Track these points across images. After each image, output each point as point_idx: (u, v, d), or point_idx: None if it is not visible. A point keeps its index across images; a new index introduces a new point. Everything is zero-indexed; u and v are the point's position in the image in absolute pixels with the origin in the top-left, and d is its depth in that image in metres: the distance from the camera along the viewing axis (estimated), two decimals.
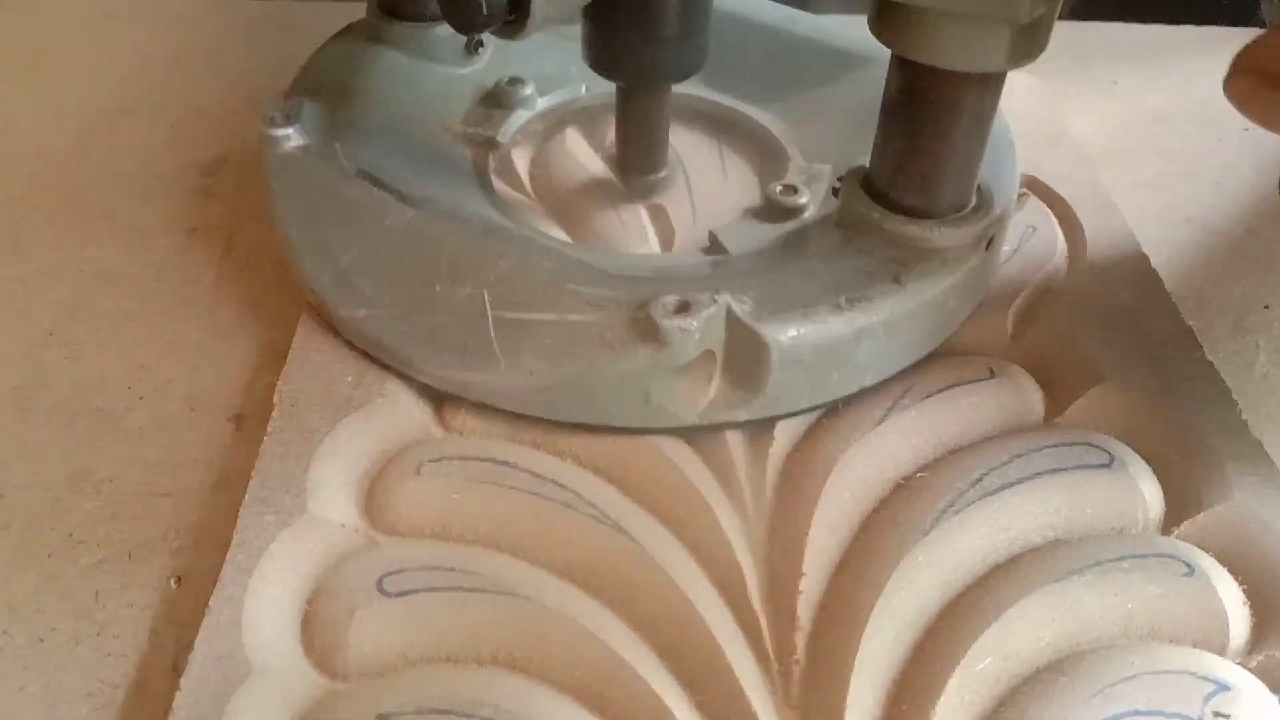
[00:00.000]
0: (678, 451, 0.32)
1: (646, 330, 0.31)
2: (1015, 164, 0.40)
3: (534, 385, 0.32)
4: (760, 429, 0.33)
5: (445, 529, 0.30)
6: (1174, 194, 0.47)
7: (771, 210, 0.39)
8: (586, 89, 0.45)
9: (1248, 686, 0.27)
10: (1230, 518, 0.31)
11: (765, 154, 0.44)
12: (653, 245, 0.40)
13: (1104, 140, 0.49)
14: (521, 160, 0.44)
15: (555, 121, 0.45)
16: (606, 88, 0.40)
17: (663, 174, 0.42)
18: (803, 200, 0.38)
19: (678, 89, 0.39)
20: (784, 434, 0.33)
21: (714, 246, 0.38)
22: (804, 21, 0.48)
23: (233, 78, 0.53)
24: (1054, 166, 0.44)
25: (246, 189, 0.45)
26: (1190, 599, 0.29)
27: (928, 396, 0.34)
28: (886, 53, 0.32)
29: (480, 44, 0.46)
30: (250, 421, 0.35)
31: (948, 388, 0.34)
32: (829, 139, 0.42)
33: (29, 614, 0.30)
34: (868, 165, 0.35)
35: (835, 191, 0.36)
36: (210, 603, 0.28)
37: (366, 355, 0.35)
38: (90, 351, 0.38)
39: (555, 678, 0.27)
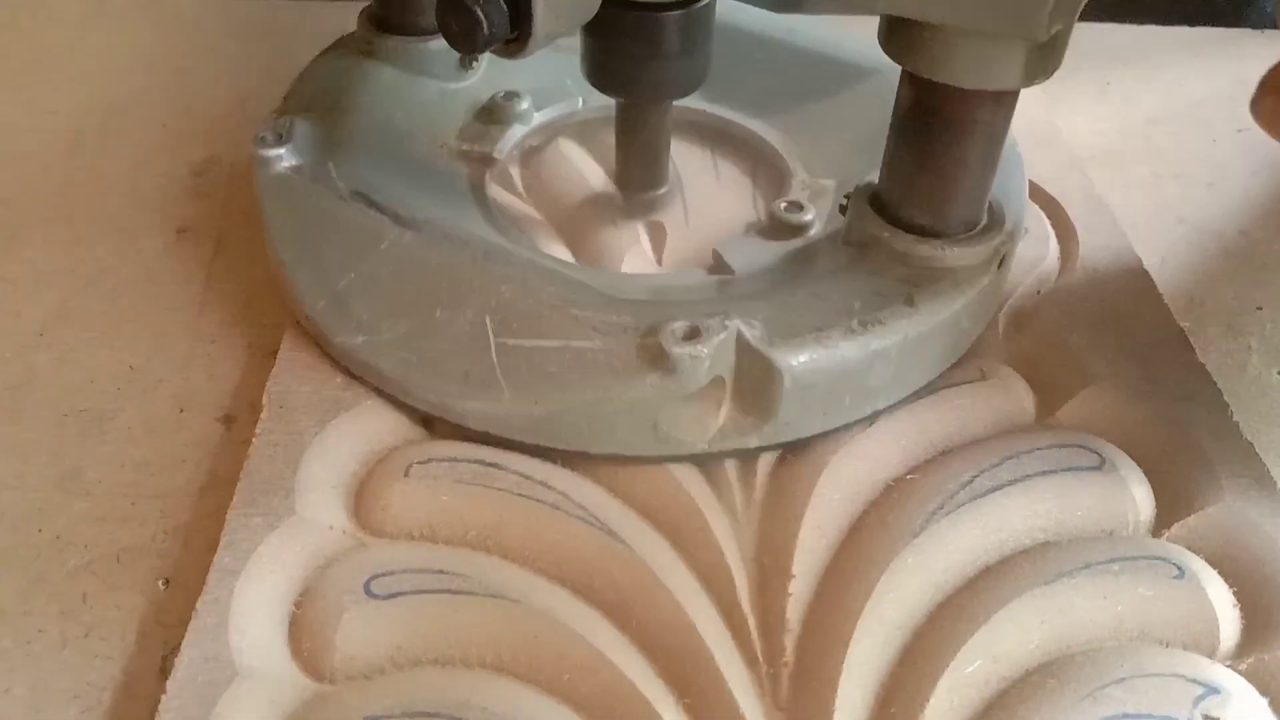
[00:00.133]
0: None
1: (655, 357, 0.30)
2: (1024, 178, 0.39)
3: (539, 414, 0.31)
4: None
5: (434, 531, 0.30)
6: (1166, 195, 0.47)
7: (776, 228, 0.38)
8: (583, 102, 0.45)
9: (1238, 689, 0.27)
10: (1221, 520, 0.31)
11: (767, 169, 0.43)
12: (654, 264, 0.39)
13: (1096, 141, 0.49)
14: (519, 177, 0.43)
15: (552, 136, 0.44)
16: (604, 101, 0.39)
17: (663, 190, 0.41)
18: (808, 217, 0.38)
19: (677, 103, 0.39)
20: None
21: (718, 265, 0.37)
22: (804, 32, 0.47)
23: (224, 78, 0.53)
24: (1046, 168, 0.44)
25: (237, 189, 0.45)
26: (1180, 601, 0.29)
27: (918, 398, 0.34)
28: (889, 65, 0.31)
29: (475, 58, 0.45)
30: (240, 423, 0.35)
31: (938, 389, 0.34)
32: (832, 153, 0.41)
33: (16, 616, 0.30)
34: (875, 181, 0.34)
35: (842, 209, 0.35)
36: (197, 605, 0.28)
37: None
38: (80, 353, 0.38)
39: (543, 680, 0.27)
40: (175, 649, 0.27)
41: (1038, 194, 0.43)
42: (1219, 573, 0.30)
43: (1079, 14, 0.28)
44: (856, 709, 0.27)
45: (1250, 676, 0.28)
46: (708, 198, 0.42)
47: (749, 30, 0.46)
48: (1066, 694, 0.27)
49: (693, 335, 0.30)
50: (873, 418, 0.33)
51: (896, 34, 0.30)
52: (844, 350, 0.31)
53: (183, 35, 0.57)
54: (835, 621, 0.28)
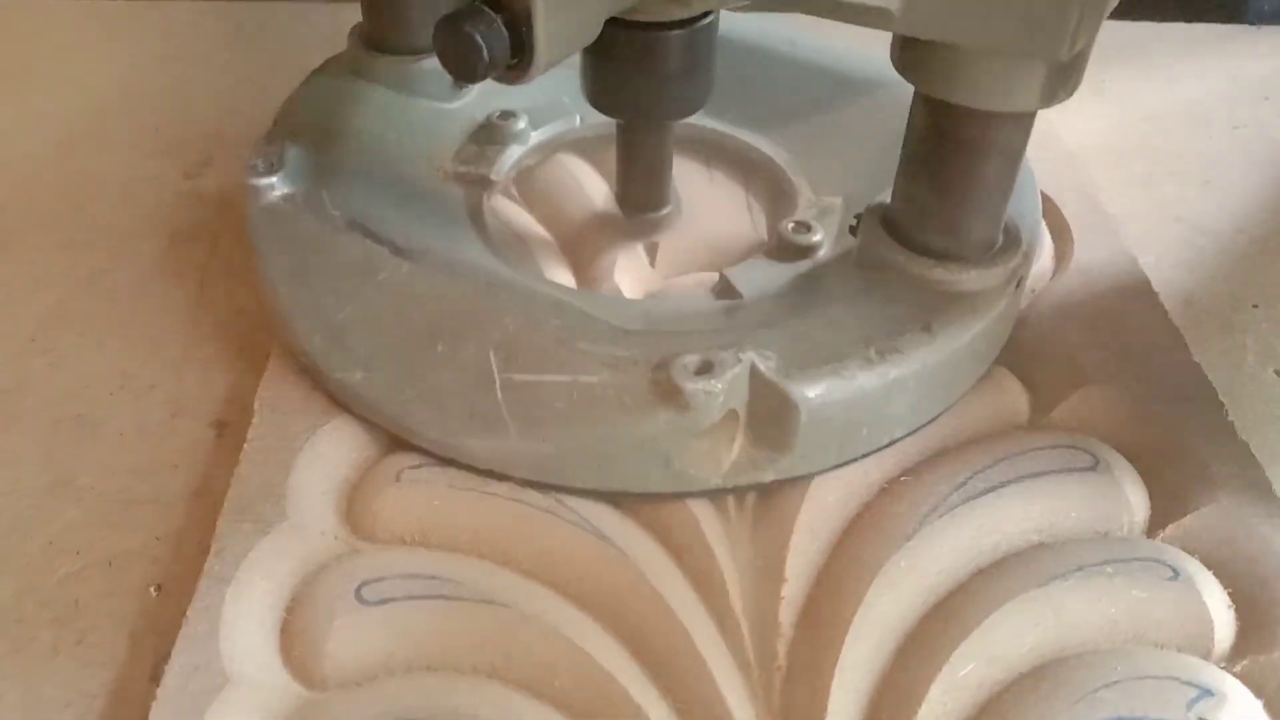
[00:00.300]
0: None
1: (667, 393, 0.29)
2: (1037, 195, 0.38)
3: (547, 452, 0.30)
4: None
5: (425, 536, 0.30)
6: (1162, 193, 0.47)
7: (783, 249, 0.37)
8: (581, 120, 0.43)
9: (1232, 691, 0.27)
10: (1216, 521, 0.31)
11: (772, 187, 0.42)
12: (657, 288, 0.38)
13: (1092, 139, 0.49)
14: (517, 199, 0.42)
15: (550, 156, 0.43)
16: (602, 119, 0.38)
17: (665, 211, 0.40)
18: (816, 238, 0.36)
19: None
20: None
21: (725, 289, 0.36)
22: (804, 44, 0.46)
23: (218, 82, 0.53)
24: (1041, 166, 0.44)
25: (230, 193, 0.45)
26: (1175, 603, 0.29)
27: None
28: (893, 77, 0.30)
29: None
30: (233, 428, 0.35)
31: None
32: (838, 170, 0.40)
33: (8, 623, 0.30)
34: (885, 200, 0.33)
35: (853, 230, 0.34)
36: (188, 612, 0.28)
37: None
38: (73, 358, 0.38)
39: (535, 686, 0.27)
40: (167, 656, 0.27)
41: None
42: (1214, 574, 0.30)
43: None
44: (849, 712, 0.27)
45: (1245, 678, 0.28)
46: (711, 217, 0.41)
47: (748, 43, 0.45)
48: (1060, 697, 0.27)
49: (705, 369, 0.29)
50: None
51: (911, 54, 0.29)
52: (861, 381, 0.30)
53: (176, 39, 0.57)
54: (828, 625, 0.28)
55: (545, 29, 0.28)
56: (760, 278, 0.36)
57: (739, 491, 0.31)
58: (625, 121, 0.38)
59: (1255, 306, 0.40)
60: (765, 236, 0.41)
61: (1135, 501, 0.31)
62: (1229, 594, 0.29)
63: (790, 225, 0.37)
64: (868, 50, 0.43)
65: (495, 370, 0.31)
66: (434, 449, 0.31)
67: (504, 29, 0.28)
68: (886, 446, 0.32)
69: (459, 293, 0.33)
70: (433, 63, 0.42)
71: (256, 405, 0.33)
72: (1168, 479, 0.32)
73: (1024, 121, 0.30)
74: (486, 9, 0.28)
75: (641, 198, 0.40)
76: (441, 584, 0.29)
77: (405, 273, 0.34)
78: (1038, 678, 0.27)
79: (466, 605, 0.28)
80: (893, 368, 0.30)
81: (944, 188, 0.31)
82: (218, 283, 0.41)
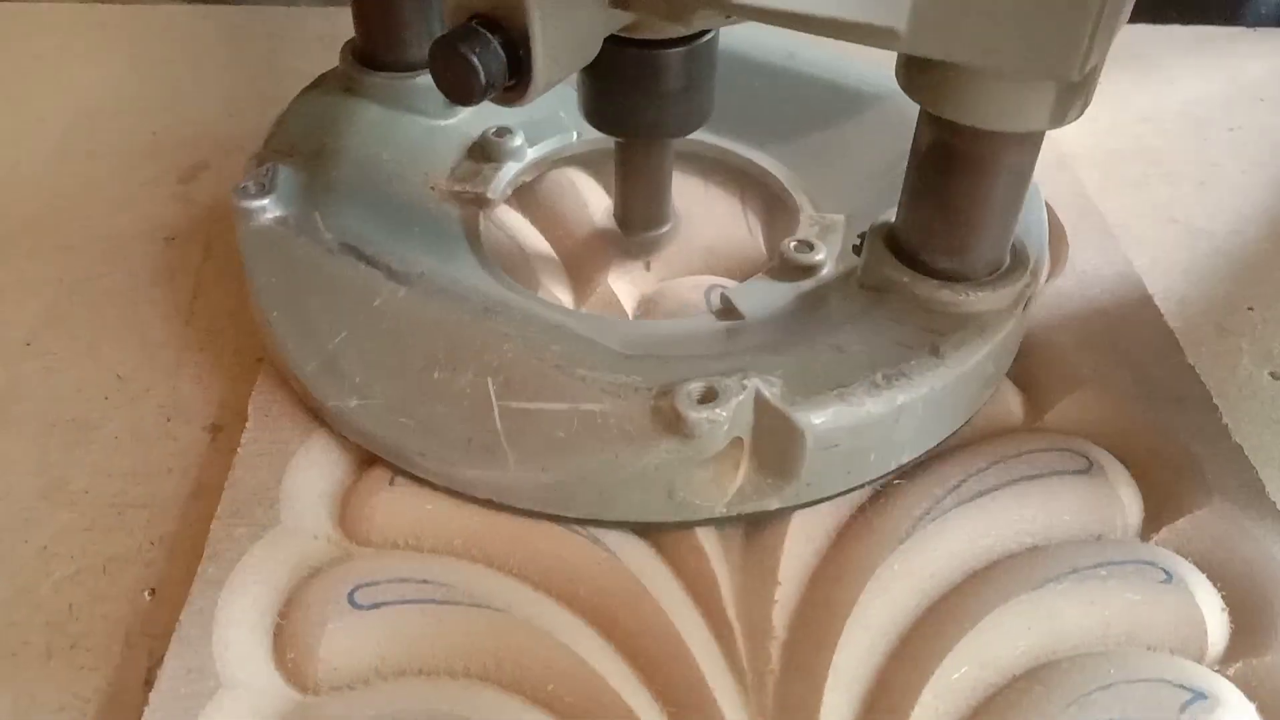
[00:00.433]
0: None
1: (670, 421, 0.28)
2: (1043, 212, 0.38)
3: (547, 482, 0.29)
4: None
5: (418, 540, 0.30)
6: (1158, 194, 0.47)
7: (785, 268, 0.36)
8: (578, 135, 0.43)
9: (1225, 694, 0.27)
10: (1210, 523, 0.31)
11: (772, 204, 0.42)
12: (657, 309, 0.38)
13: (1088, 140, 0.49)
14: (513, 217, 0.41)
15: (547, 172, 0.43)
16: (599, 134, 0.37)
17: (665, 229, 0.40)
18: (819, 256, 0.36)
19: None
20: None
21: (727, 310, 0.35)
22: (804, 57, 0.45)
23: (213, 85, 0.53)
24: (1036, 168, 0.44)
25: (225, 198, 0.45)
26: (1168, 606, 0.29)
27: None
28: (895, 90, 0.30)
29: None
30: (227, 431, 0.35)
31: None
32: (840, 186, 0.40)
33: (1, 627, 0.30)
34: (890, 219, 0.33)
35: (856, 249, 0.34)
36: (180, 616, 0.28)
37: None
38: (67, 362, 0.38)
39: (527, 690, 0.27)
40: (160, 660, 0.27)
41: None
42: (1207, 577, 0.30)
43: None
44: (842, 716, 0.27)
45: (1238, 681, 0.28)
46: (711, 235, 0.41)
47: (747, 56, 0.45)
48: (1053, 700, 0.27)
49: (709, 397, 0.28)
50: None
51: (917, 74, 0.28)
52: (869, 407, 0.29)
53: (171, 42, 0.57)
54: (821, 628, 0.28)
55: (544, 49, 0.28)
56: (762, 298, 0.35)
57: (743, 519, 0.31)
58: (624, 139, 0.37)
59: (1251, 309, 0.40)
60: (765, 252, 0.41)
61: (1129, 504, 0.31)
62: (1222, 597, 0.29)
63: (792, 244, 0.36)
64: (869, 63, 0.42)
65: (493, 398, 0.30)
66: (431, 479, 0.31)
67: (501, 50, 0.27)
68: (894, 471, 0.32)
69: (456, 318, 0.33)
70: (427, 79, 0.40)
71: (250, 409, 0.33)
72: (1162, 482, 0.32)
73: (1033, 141, 0.29)
74: (482, 30, 0.27)
75: (641, 216, 0.40)
76: (434, 588, 0.29)
77: (401, 297, 0.33)
78: (1030, 680, 0.27)
79: (459, 609, 0.28)
80: (900, 393, 0.29)
81: (950, 208, 0.30)
82: (212, 287, 0.41)
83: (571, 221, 0.42)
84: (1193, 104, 0.53)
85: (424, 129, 0.42)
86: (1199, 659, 0.28)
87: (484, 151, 0.41)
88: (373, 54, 0.42)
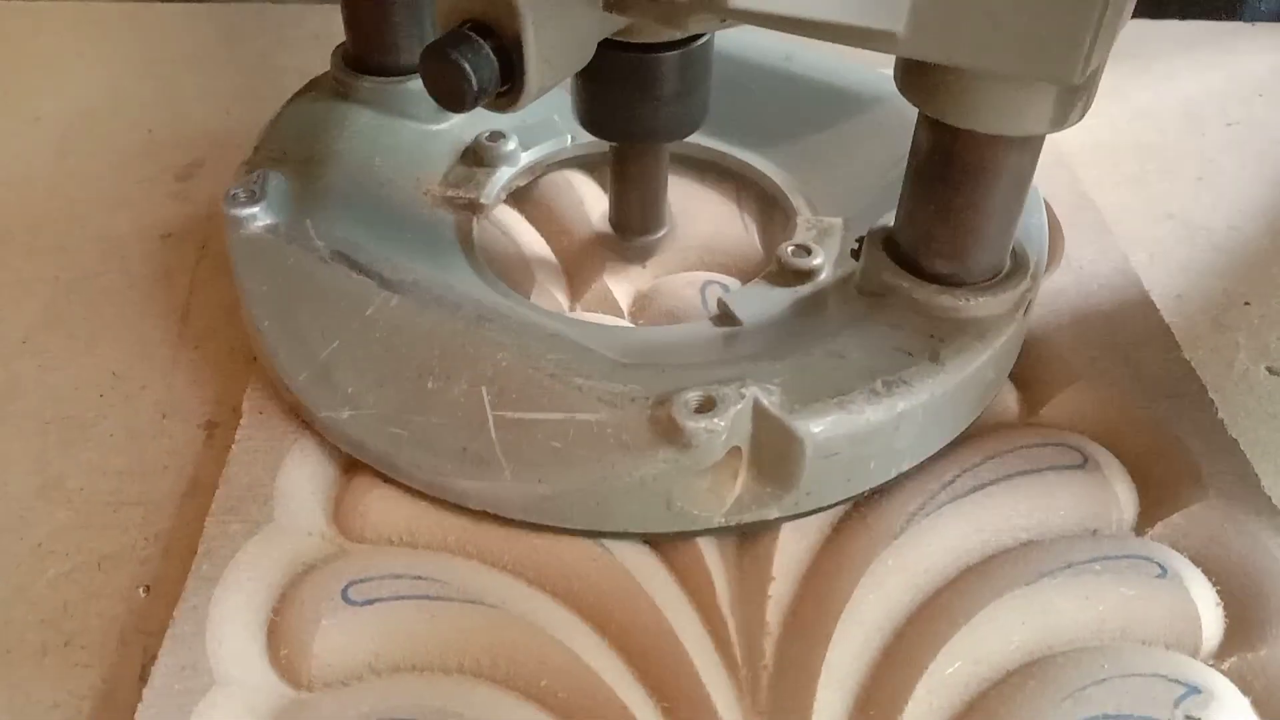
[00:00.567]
0: None
1: (667, 430, 0.28)
2: (1043, 214, 0.37)
3: (543, 494, 0.29)
4: None
5: (413, 536, 0.30)
6: (1155, 190, 0.46)
7: (783, 273, 0.35)
8: (572, 139, 0.42)
9: (1220, 689, 0.27)
10: (1205, 518, 0.31)
11: (769, 207, 0.41)
12: (655, 316, 0.38)
13: (1085, 137, 0.49)
14: (508, 222, 0.41)
15: (541, 177, 0.43)
16: (594, 138, 0.37)
17: (661, 234, 0.40)
18: (816, 261, 0.35)
19: None
20: None
21: (724, 316, 0.35)
22: (801, 59, 0.45)
23: (209, 83, 0.53)
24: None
25: (221, 196, 0.45)
26: (1163, 601, 0.29)
27: None
28: (892, 92, 0.29)
29: None
30: (222, 429, 0.35)
31: None
32: (837, 189, 0.39)
33: None
34: (888, 224, 0.32)
35: (854, 253, 0.33)
36: (175, 613, 0.28)
37: None
38: (63, 360, 0.38)
39: (521, 686, 0.27)
40: (155, 657, 0.27)
41: None
42: (1202, 571, 0.30)
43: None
44: (835, 711, 0.27)
45: (1233, 676, 0.28)
46: (707, 232, 0.41)
47: (742, 59, 0.44)
48: (1047, 695, 0.27)
49: (707, 406, 0.28)
50: None
51: (915, 77, 0.28)
52: (869, 414, 0.29)
53: (168, 40, 0.57)
54: (815, 623, 0.28)
55: (536, 55, 0.27)
56: (760, 303, 0.34)
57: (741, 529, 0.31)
58: (619, 144, 0.37)
59: (1247, 304, 0.40)
60: (760, 248, 0.41)
61: (1124, 499, 0.31)
62: (1217, 591, 0.29)
63: (790, 248, 0.36)
64: (866, 65, 0.42)
65: (488, 408, 0.30)
66: (425, 490, 0.30)
67: (493, 55, 0.27)
68: (894, 479, 0.31)
69: (449, 327, 0.32)
70: (419, 83, 0.39)
71: (245, 406, 0.33)
72: (1157, 476, 0.32)
73: (1033, 145, 0.29)
74: (474, 35, 0.27)
75: (637, 220, 0.39)
76: (428, 584, 0.29)
77: (394, 306, 0.33)
78: (1025, 676, 0.27)
79: (453, 605, 0.28)
80: (900, 400, 0.29)
81: (950, 213, 0.30)
82: (208, 285, 0.41)
83: (568, 223, 0.42)
84: (1190, 100, 0.52)
85: (416, 134, 0.42)
86: (1193, 654, 0.28)
87: (477, 156, 0.41)
88: (364, 58, 0.42)
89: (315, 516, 0.31)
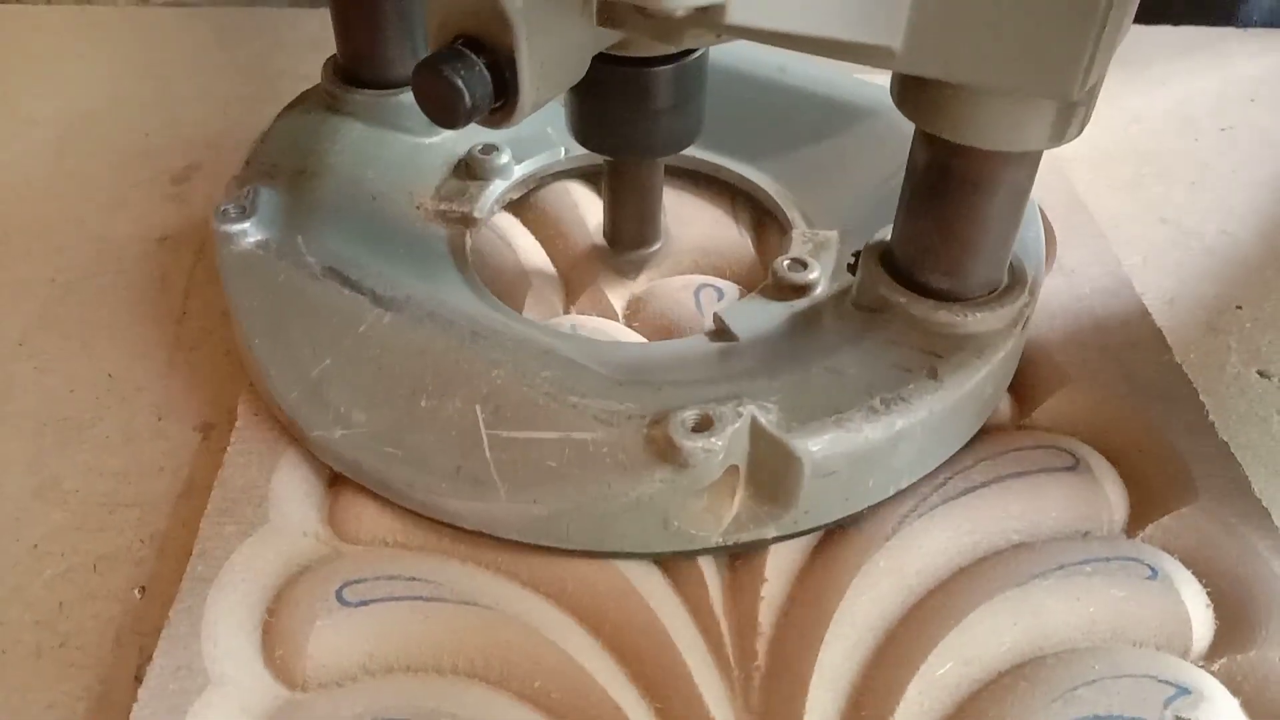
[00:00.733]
0: None
1: (664, 450, 0.28)
2: (1040, 228, 0.37)
3: (539, 514, 0.29)
4: None
5: (407, 538, 0.30)
6: (1149, 194, 0.47)
7: (779, 287, 0.35)
8: (566, 152, 0.42)
9: (1210, 690, 0.27)
10: (1195, 520, 0.31)
11: (764, 220, 0.41)
12: (649, 331, 0.37)
13: (1078, 141, 0.49)
14: (501, 236, 0.41)
15: (534, 190, 0.42)
16: (588, 151, 0.37)
17: (655, 248, 0.40)
18: (812, 275, 0.35)
19: None
20: None
21: (720, 331, 0.34)
22: (795, 70, 0.44)
23: (206, 86, 0.53)
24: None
25: (217, 198, 0.45)
26: (1153, 602, 0.29)
27: None
28: (888, 104, 0.29)
29: None
30: (218, 430, 0.35)
31: None
32: (833, 202, 0.39)
33: None
34: (885, 238, 0.32)
35: (850, 268, 0.33)
36: (169, 613, 0.28)
37: None
38: (59, 362, 0.38)
39: (515, 687, 0.27)
40: (150, 657, 0.27)
41: None
42: (1193, 573, 0.30)
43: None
44: (827, 712, 0.27)
45: (1222, 677, 0.28)
46: (702, 242, 0.41)
47: (736, 70, 0.44)
48: (1037, 696, 0.27)
49: (704, 425, 0.28)
50: None
51: (913, 92, 0.28)
52: (867, 433, 0.28)
53: (164, 43, 0.57)
54: (807, 624, 0.28)
55: (530, 70, 0.27)
56: (756, 318, 0.34)
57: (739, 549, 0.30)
58: (613, 158, 0.37)
59: (1239, 308, 0.41)
60: (755, 255, 0.41)
61: (1115, 501, 0.32)
62: (1208, 593, 0.30)
63: (786, 263, 0.35)
64: (860, 77, 0.42)
65: (482, 427, 0.30)
66: (419, 510, 0.30)
67: (486, 71, 0.27)
68: (893, 497, 0.31)
69: (443, 344, 0.32)
70: (410, 95, 0.38)
71: (240, 409, 0.33)
72: (1148, 479, 0.32)
73: (1032, 160, 0.29)
74: (467, 51, 0.27)
75: (631, 235, 0.39)
76: (422, 585, 0.29)
77: (386, 323, 0.33)
78: (1015, 676, 0.27)
79: (447, 606, 0.28)
80: (899, 417, 0.29)
81: (947, 228, 0.30)
82: (204, 287, 0.41)
83: (565, 227, 0.42)
84: (1184, 104, 0.53)
85: (409, 147, 0.41)
86: (1184, 655, 0.28)
87: (470, 169, 0.40)
88: (355, 70, 0.42)
89: (310, 518, 0.31)
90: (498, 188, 0.40)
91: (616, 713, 0.27)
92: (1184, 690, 0.27)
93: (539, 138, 0.42)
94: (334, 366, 0.32)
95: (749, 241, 0.41)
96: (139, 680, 0.27)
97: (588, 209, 0.42)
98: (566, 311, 0.39)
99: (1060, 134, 0.27)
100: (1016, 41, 0.24)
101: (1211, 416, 0.34)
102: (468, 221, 0.39)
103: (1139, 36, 0.58)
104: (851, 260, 0.33)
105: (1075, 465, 0.32)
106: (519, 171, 0.41)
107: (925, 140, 0.29)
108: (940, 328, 0.31)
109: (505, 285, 0.39)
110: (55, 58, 0.56)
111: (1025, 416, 0.34)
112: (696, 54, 0.33)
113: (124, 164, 0.48)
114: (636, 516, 0.28)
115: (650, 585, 0.29)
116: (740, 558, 0.30)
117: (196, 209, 0.45)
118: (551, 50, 0.28)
